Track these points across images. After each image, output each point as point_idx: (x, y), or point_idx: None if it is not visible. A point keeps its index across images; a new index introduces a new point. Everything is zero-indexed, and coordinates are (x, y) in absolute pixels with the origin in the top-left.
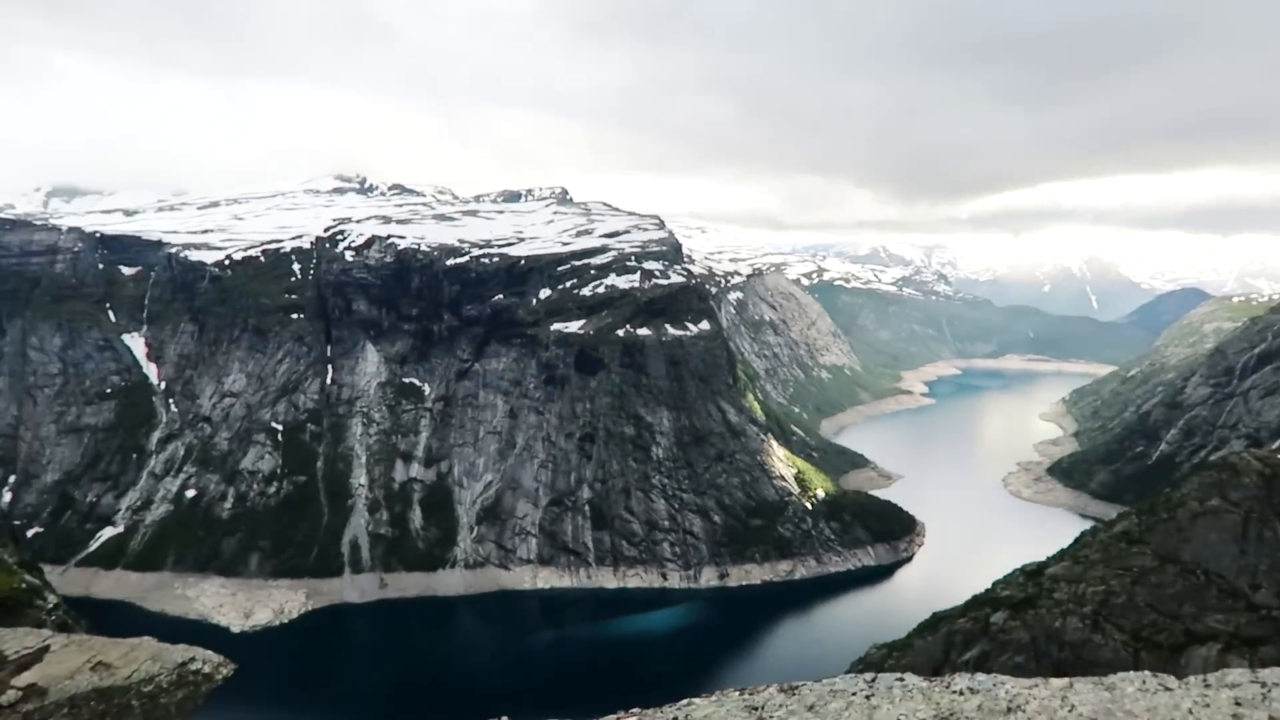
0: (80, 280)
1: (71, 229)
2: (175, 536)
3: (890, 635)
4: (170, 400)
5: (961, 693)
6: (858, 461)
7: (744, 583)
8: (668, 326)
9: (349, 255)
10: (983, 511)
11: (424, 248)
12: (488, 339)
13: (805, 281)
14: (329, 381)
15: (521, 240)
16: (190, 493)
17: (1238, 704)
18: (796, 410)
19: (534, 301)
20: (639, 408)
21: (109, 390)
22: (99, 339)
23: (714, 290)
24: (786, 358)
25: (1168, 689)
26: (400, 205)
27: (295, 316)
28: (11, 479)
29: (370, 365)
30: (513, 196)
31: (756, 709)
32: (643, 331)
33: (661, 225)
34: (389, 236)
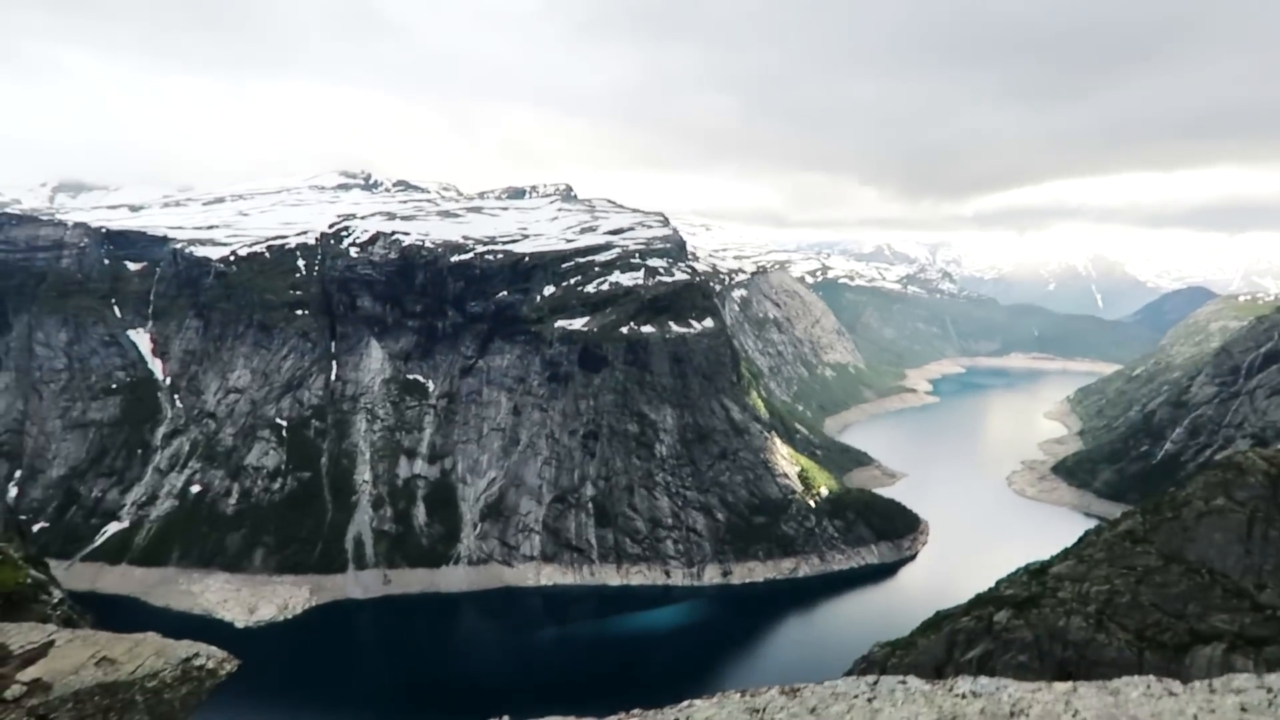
0: (86, 276)
1: (77, 224)
2: (180, 532)
3: (893, 634)
4: (175, 396)
5: (964, 696)
6: (861, 460)
7: (747, 581)
8: (672, 324)
9: (354, 251)
10: (986, 510)
11: (428, 244)
12: (492, 336)
13: (809, 279)
14: (333, 378)
15: (526, 237)
16: (195, 488)
17: (1243, 709)
18: (800, 408)
19: (538, 298)
20: (643, 405)
21: (114, 386)
22: (104, 334)
23: (718, 288)
24: (790, 355)
25: (1172, 694)
26: (405, 202)
27: (300, 312)
28: (17, 474)
29: (374, 361)
30: (517, 193)
31: (758, 711)
32: (647, 329)
33: (666, 222)
34: (394, 233)
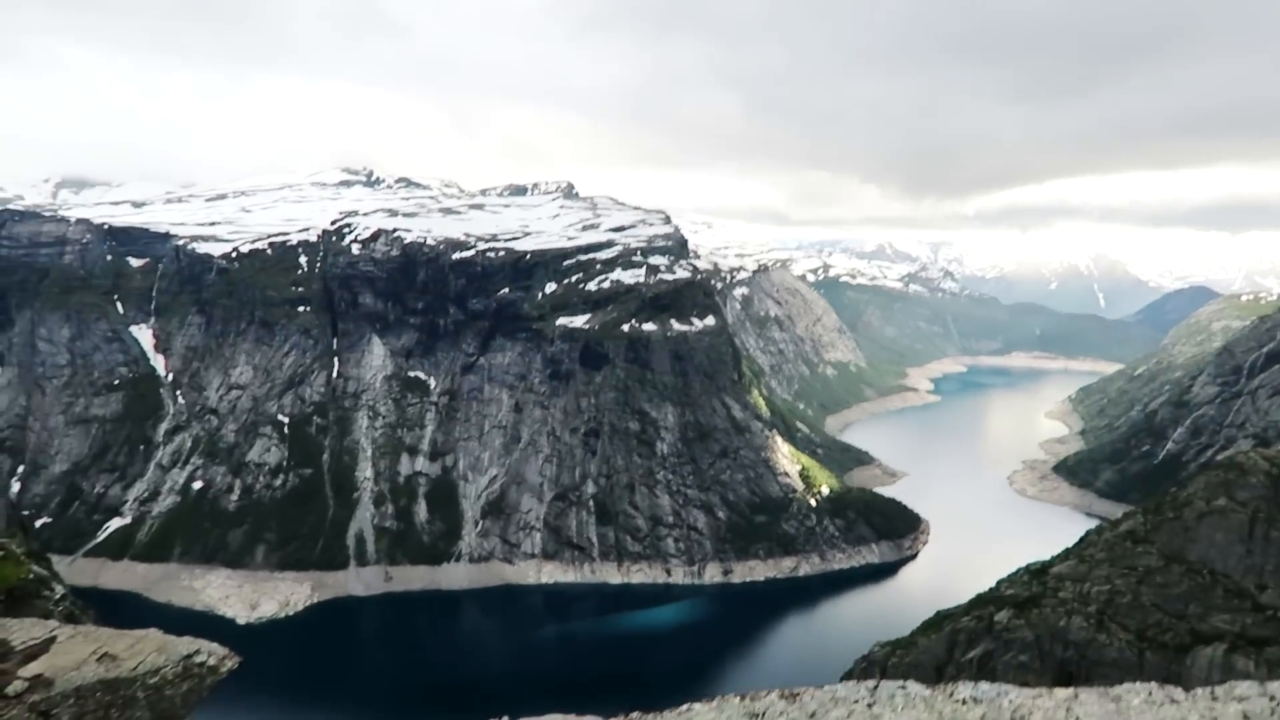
0: (89, 272)
1: (80, 220)
2: (182, 528)
3: (894, 633)
4: (177, 392)
5: (965, 702)
6: (862, 459)
7: (748, 579)
8: (673, 322)
9: (355, 248)
10: (987, 510)
11: (430, 241)
12: (493, 333)
13: (811, 277)
14: (335, 374)
15: (527, 234)
16: (197, 484)
17: (1246, 717)
18: (801, 407)
19: (539, 296)
20: (644, 403)
21: (117, 382)
22: (107, 330)
23: (719, 286)
24: (791, 354)
25: (1174, 701)
26: (406, 199)
27: (302, 309)
28: (20, 469)
29: (376, 359)
30: (519, 190)
31: (757, 716)
32: (648, 327)
33: (667, 220)
34: (395, 230)
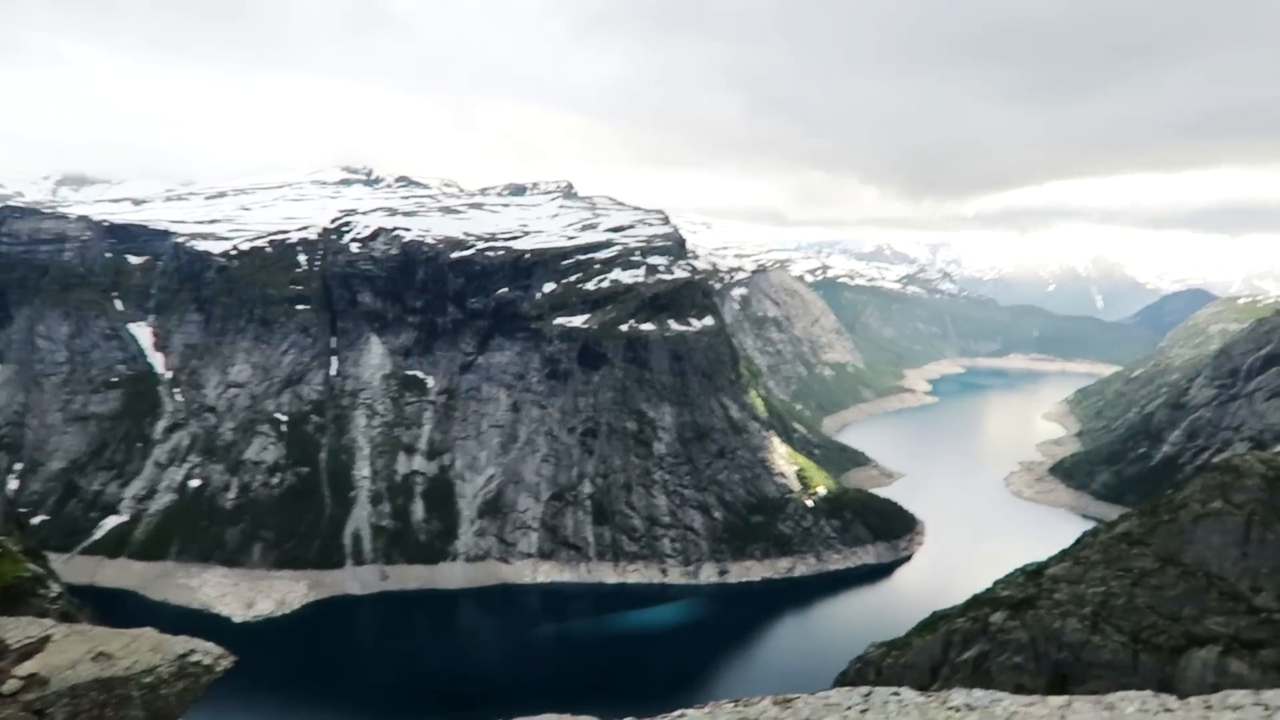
0: (88, 269)
1: (80, 217)
2: (179, 526)
3: (889, 634)
4: (175, 390)
5: (958, 709)
6: (859, 459)
7: (744, 579)
8: (671, 322)
9: (354, 247)
10: (984, 511)
11: (429, 240)
12: (491, 332)
13: (809, 278)
14: (333, 373)
15: (526, 234)
16: (194, 482)
17: None
18: (799, 407)
19: (538, 295)
20: (641, 403)
21: (115, 379)
22: (106, 328)
23: (718, 286)
24: (789, 354)
25: (1168, 709)
26: (406, 197)
27: (300, 307)
28: (18, 466)
29: (374, 357)
30: (518, 190)
31: None
32: (646, 326)
33: (666, 220)
34: (394, 229)
